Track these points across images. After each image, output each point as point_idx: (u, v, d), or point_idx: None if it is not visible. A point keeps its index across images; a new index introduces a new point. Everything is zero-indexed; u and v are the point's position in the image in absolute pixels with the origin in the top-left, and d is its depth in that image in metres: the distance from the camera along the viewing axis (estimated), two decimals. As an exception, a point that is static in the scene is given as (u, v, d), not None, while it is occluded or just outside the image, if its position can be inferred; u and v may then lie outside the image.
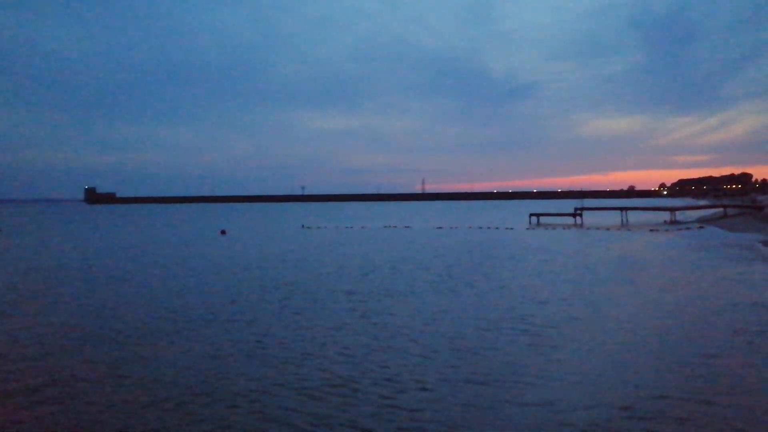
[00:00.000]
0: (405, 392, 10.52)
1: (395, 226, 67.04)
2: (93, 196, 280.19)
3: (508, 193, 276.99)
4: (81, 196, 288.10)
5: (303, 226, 71.34)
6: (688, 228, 53.83)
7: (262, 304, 19.18)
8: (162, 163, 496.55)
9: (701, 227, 54.05)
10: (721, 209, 76.06)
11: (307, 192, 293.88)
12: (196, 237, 53.61)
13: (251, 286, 23.12)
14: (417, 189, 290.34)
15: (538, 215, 71.26)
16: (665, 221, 64.45)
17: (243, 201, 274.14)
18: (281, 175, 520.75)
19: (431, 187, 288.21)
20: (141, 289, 22.81)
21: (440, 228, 62.77)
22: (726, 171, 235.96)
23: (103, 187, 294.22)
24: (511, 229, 59.40)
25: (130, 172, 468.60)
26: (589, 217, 69.25)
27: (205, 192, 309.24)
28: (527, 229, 59.53)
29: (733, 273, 24.47)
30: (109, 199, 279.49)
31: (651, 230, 53.29)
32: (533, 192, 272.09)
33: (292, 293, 21.34)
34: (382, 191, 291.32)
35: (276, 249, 40.18)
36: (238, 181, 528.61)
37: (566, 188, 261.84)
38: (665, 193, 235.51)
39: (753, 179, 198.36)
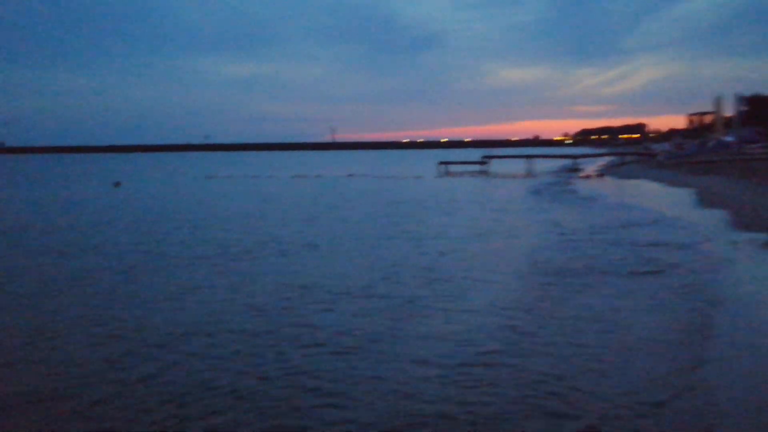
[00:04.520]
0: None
1: (305, 175, 65.99)
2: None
3: (416, 142, 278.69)
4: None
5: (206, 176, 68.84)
6: (588, 176, 55.62)
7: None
8: (57, 111, 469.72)
9: (600, 175, 55.91)
10: (619, 157, 79.20)
11: (211, 141, 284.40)
12: (87, 189, 50.57)
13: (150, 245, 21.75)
14: (326, 138, 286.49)
15: (446, 163, 71.63)
16: (568, 169, 66.30)
17: (144, 151, 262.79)
18: (183, 124, 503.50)
19: (341, 137, 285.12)
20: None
21: (351, 176, 62.29)
22: (624, 121, 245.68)
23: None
24: (421, 177, 59.56)
25: (21, 119, 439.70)
26: (495, 166, 70.20)
27: (104, 141, 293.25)
28: (436, 177, 59.88)
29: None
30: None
31: (557, 177, 54.94)
32: (441, 141, 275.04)
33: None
34: (290, 140, 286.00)
35: (177, 200, 38.44)
36: (138, 129, 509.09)
37: (473, 138, 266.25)
38: (568, 142, 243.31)
39: (648, 129, 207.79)
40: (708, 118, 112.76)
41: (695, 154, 60.61)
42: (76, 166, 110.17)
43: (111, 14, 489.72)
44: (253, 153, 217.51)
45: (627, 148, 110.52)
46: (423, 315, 11.37)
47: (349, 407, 7.51)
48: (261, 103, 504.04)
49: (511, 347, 9.46)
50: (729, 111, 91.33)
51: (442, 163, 71.75)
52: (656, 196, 34.01)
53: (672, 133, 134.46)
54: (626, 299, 12.02)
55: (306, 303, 12.34)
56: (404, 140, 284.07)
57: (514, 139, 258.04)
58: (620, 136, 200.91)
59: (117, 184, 53.94)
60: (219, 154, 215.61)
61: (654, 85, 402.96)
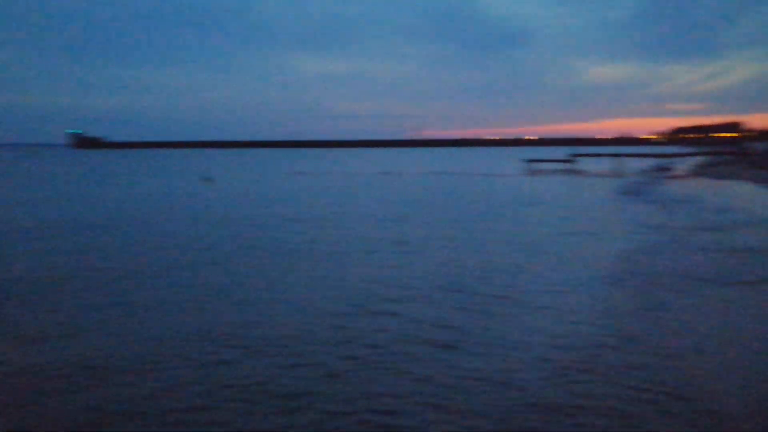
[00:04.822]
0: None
1: (391, 172, 66.78)
2: (79, 141, 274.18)
3: (502, 140, 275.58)
4: (66, 140, 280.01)
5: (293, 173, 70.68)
6: (680, 176, 53.96)
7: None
8: (153, 107, 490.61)
9: (693, 175, 54.11)
10: (713, 157, 76.37)
11: (296, 138, 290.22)
12: (186, 184, 52.86)
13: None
14: (410, 135, 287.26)
15: (533, 161, 70.97)
16: (659, 169, 64.37)
17: (231, 146, 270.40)
18: (272, 120, 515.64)
19: (426, 134, 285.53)
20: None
21: (438, 173, 62.79)
22: (720, 120, 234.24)
23: (91, 131, 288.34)
24: (508, 175, 59.32)
25: (121, 116, 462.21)
26: (583, 164, 68.96)
27: (195, 137, 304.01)
28: (523, 175, 59.47)
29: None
30: (96, 143, 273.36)
31: (647, 176, 53.54)
32: (527, 139, 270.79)
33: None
34: (376, 138, 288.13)
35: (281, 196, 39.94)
36: (227, 125, 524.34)
37: (561, 135, 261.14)
38: (661, 141, 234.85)
39: (747, 128, 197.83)
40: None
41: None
42: (172, 161, 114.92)
43: (201, 12, 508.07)
44: (339, 150, 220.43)
45: (722, 147, 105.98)
46: (517, 313, 11.71)
47: (444, 396, 7.95)
48: (348, 100, 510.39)
49: (615, 351, 9.55)
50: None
51: (529, 160, 71.14)
52: (753, 199, 32.81)
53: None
54: (731, 309, 11.82)
55: (397, 297, 12.92)
56: (489, 137, 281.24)
57: (602, 137, 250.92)
58: (714, 135, 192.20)
59: (208, 180, 54.25)
60: (305, 150, 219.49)
61: (752, 83, 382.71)
